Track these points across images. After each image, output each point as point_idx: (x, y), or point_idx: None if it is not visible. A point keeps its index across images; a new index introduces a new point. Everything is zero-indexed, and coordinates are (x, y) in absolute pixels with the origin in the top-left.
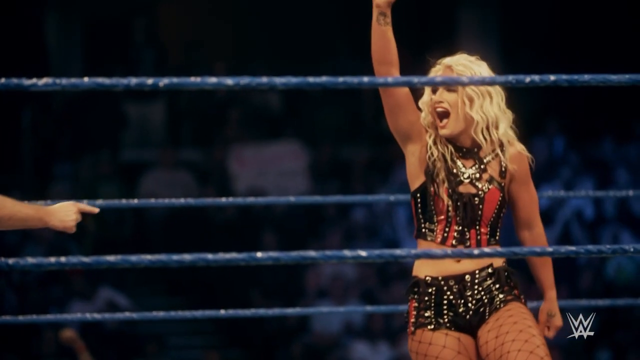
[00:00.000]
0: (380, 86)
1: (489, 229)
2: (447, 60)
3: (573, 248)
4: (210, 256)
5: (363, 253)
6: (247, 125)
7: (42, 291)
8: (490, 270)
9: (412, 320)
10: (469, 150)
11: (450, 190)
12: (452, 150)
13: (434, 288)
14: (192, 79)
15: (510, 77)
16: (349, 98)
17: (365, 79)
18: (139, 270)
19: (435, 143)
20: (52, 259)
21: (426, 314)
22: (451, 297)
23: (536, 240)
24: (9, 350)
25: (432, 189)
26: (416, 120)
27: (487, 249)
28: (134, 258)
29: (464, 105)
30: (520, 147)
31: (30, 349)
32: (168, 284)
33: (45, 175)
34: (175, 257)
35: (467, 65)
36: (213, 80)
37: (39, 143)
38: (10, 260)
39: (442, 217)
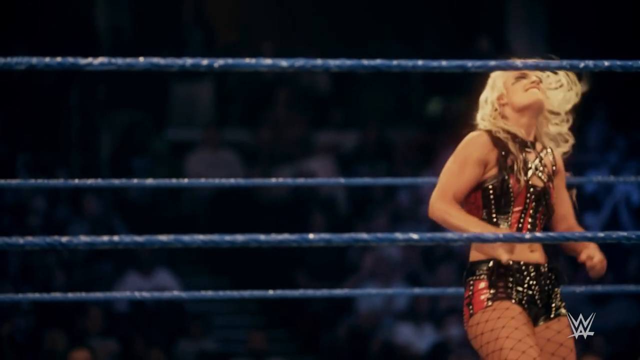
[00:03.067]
0: (434, 70)
1: (549, 221)
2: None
3: (624, 234)
4: (262, 237)
5: (415, 236)
6: (295, 107)
7: (89, 268)
8: (551, 265)
9: (488, 296)
10: (532, 143)
11: (529, 182)
12: (520, 142)
13: (516, 271)
14: (247, 60)
15: (565, 62)
16: (397, 81)
17: (420, 62)
18: (181, 250)
19: (505, 135)
20: (105, 238)
21: (507, 291)
22: (531, 282)
23: (574, 230)
24: (56, 327)
25: (511, 180)
26: (480, 163)
27: (540, 234)
28: (186, 238)
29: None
30: (562, 147)
31: (76, 326)
32: (212, 263)
33: (92, 154)
34: (227, 237)
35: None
36: (268, 61)
37: (86, 122)
38: (64, 239)
39: (519, 207)
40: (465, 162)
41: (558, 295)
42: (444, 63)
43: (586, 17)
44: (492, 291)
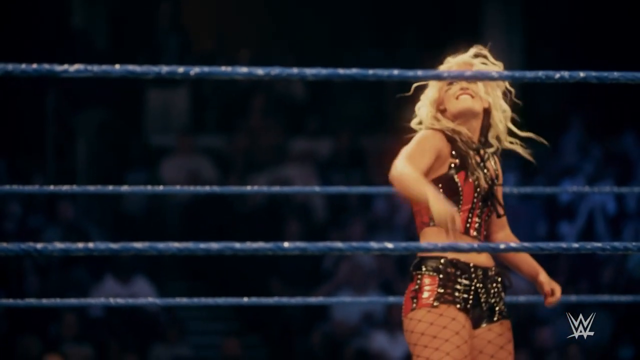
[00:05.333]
0: (410, 79)
1: (490, 222)
2: (466, 58)
3: (599, 244)
4: (237, 245)
5: (390, 245)
6: (271, 113)
7: (64, 273)
8: (496, 269)
9: (433, 295)
10: (478, 146)
11: (476, 182)
12: (466, 144)
13: (464, 272)
14: (223, 68)
15: (540, 73)
16: (372, 89)
17: (395, 71)
18: (157, 257)
19: (454, 135)
20: (80, 245)
21: (455, 294)
22: (478, 285)
23: (510, 240)
24: (30, 333)
25: (459, 178)
26: (437, 154)
27: (513, 244)
28: (161, 245)
29: (481, 96)
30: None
31: (50, 331)
32: (186, 269)
33: (68, 159)
34: (202, 245)
35: (486, 62)
36: (244, 70)
37: (62, 127)
38: (39, 245)
39: (467, 207)
40: (424, 148)
41: (502, 299)
42: (419, 72)
43: (563, 25)
44: (440, 290)
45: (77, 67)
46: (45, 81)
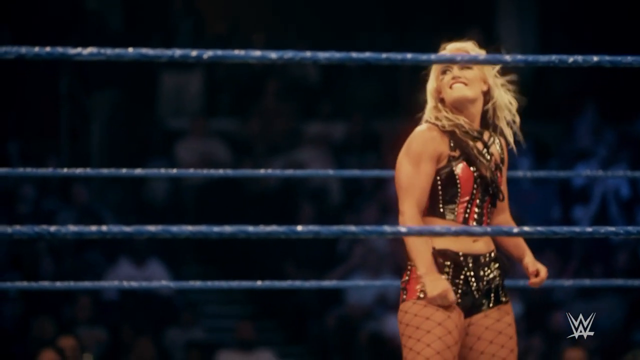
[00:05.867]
0: (423, 63)
1: (494, 210)
2: (459, 44)
3: (612, 229)
4: (250, 228)
5: (403, 229)
6: (284, 97)
7: (79, 256)
8: (494, 254)
9: (422, 286)
10: (479, 133)
11: (476, 172)
12: (465, 132)
13: (453, 262)
14: (236, 52)
15: (554, 57)
16: (386, 72)
17: (409, 55)
18: (171, 240)
19: (453, 126)
20: (94, 228)
21: None
22: (468, 274)
23: (509, 223)
24: (44, 315)
25: (460, 170)
26: (434, 156)
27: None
28: (174, 229)
29: (479, 81)
30: (508, 138)
31: (64, 314)
32: (200, 252)
33: (82, 142)
34: (215, 228)
35: (465, 48)
36: (257, 53)
37: (76, 110)
38: (52, 228)
39: (466, 197)
40: (419, 160)
41: (500, 284)
42: (432, 56)
43: (576, 10)
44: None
45: (90, 50)
46: (59, 64)
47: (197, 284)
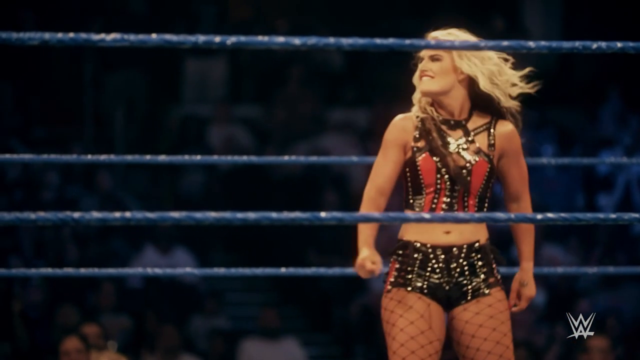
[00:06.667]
0: (447, 49)
1: (477, 200)
2: (437, 33)
3: (636, 215)
4: (274, 215)
5: (426, 215)
6: (308, 83)
7: (103, 243)
8: (476, 246)
9: (391, 279)
10: (457, 122)
11: (439, 162)
12: (441, 122)
13: (421, 254)
14: (260, 38)
15: (577, 44)
16: (410, 58)
17: (432, 41)
18: (196, 227)
19: (425, 116)
20: (117, 214)
21: (407, 276)
22: (436, 266)
23: (521, 212)
24: (68, 302)
25: (422, 160)
26: (400, 145)
27: (551, 215)
28: (198, 215)
29: (451, 71)
30: (511, 125)
31: (88, 301)
32: (225, 240)
33: (106, 128)
34: (239, 215)
35: (455, 35)
36: (280, 39)
37: (101, 95)
38: (76, 215)
39: (431, 189)
40: (386, 147)
41: (480, 276)
42: (456, 43)
43: None
44: (395, 274)
45: (113, 36)
46: (83, 49)
47: (221, 271)
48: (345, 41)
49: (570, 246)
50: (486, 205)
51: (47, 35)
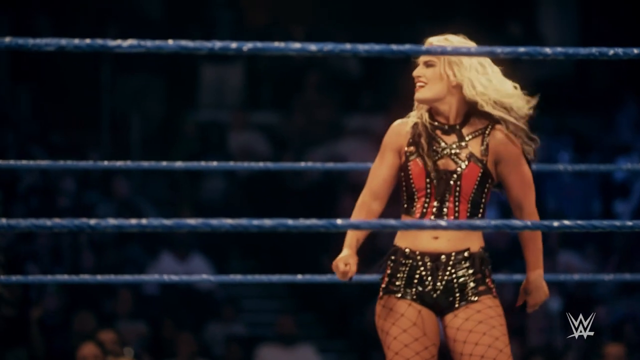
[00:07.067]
0: (463, 55)
1: (469, 205)
2: (432, 38)
3: None
4: (290, 222)
5: (443, 222)
6: (325, 90)
7: (120, 250)
8: (466, 254)
9: (383, 285)
10: (452, 127)
11: (428, 166)
12: (435, 126)
13: (409, 261)
14: (276, 44)
15: (594, 50)
16: None
17: (449, 48)
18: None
19: (420, 121)
20: (133, 221)
21: (397, 283)
22: (423, 273)
23: (525, 219)
24: (84, 309)
25: (412, 165)
26: (395, 149)
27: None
28: (214, 222)
29: (446, 77)
30: (508, 131)
31: (105, 308)
32: (242, 246)
33: (123, 133)
34: (255, 222)
35: (461, 42)
36: (297, 45)
37: (117, 101)
38: (92, 221)
39: (422, 192)
40: (383, 151)
41: (469, 284)
42: (472, 49)
43: (617, 2)
44: (386, 280)
45: (130, 42)
46: (100, 55)
47: (237, 277)
48: (362, 47)
49: (587, 253)
50: (481, 211)
51: (63, 41)
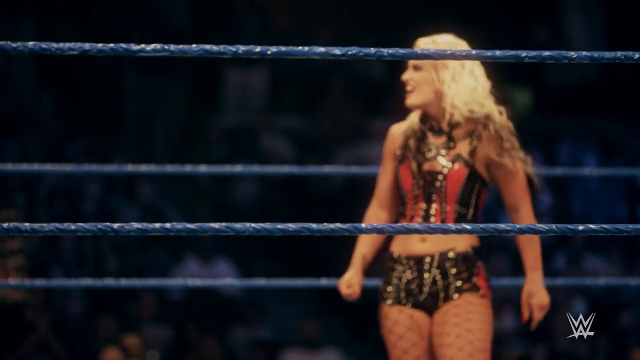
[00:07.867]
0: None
1: (456, 206)
2: (431, 39)
3: None
4: (314, 226)
5: (467, 226)
6: (350, 94)
7: (144, 254)
8: (450, 254)
9: (380, 291)
10: (441, 129)
11: (414, 169)
12: (425, 129)
13: (398, 265)
14: (300, 48)
15: (619, 54)
16: None
17: (474, 51)
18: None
19: (412, 124)
20: (157, 225)
21: (388, 289)
22: (409, 276)
23: (520, 222)
24: (108, 313)
25: (402, 168)
26: (391, 154)
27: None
28: (238, 226)
29: (432, 81)
30: (494, 131)
31: (128, 312)
32: (266, 250)
33: (147, 138)
34: (279, 225)
35: (450, 43)
36: (320, 49)
37: (142, 105)
38: (115, 225)
39: (410, 195)
40: (383, 158)
41: (454, 283)
42: (497, 53)
43: None
44: (382, 287)
45: (154, 46)
46: (124, 59)
47: (261, 282)
48: (386, 51)
49: (612, 257)
50: (472, 212)
51: (87, 46)
